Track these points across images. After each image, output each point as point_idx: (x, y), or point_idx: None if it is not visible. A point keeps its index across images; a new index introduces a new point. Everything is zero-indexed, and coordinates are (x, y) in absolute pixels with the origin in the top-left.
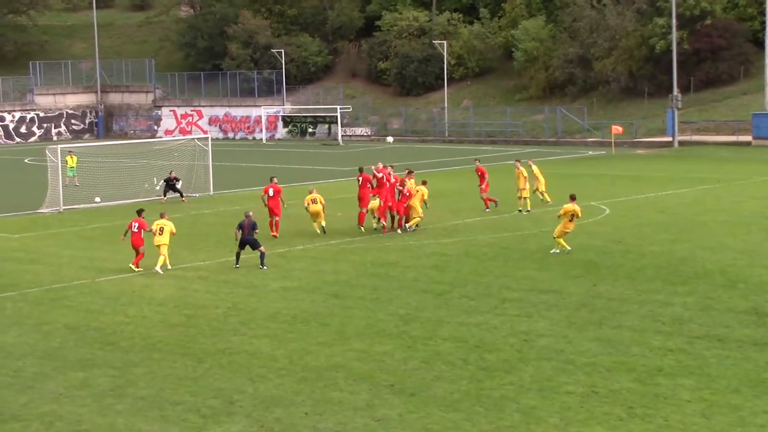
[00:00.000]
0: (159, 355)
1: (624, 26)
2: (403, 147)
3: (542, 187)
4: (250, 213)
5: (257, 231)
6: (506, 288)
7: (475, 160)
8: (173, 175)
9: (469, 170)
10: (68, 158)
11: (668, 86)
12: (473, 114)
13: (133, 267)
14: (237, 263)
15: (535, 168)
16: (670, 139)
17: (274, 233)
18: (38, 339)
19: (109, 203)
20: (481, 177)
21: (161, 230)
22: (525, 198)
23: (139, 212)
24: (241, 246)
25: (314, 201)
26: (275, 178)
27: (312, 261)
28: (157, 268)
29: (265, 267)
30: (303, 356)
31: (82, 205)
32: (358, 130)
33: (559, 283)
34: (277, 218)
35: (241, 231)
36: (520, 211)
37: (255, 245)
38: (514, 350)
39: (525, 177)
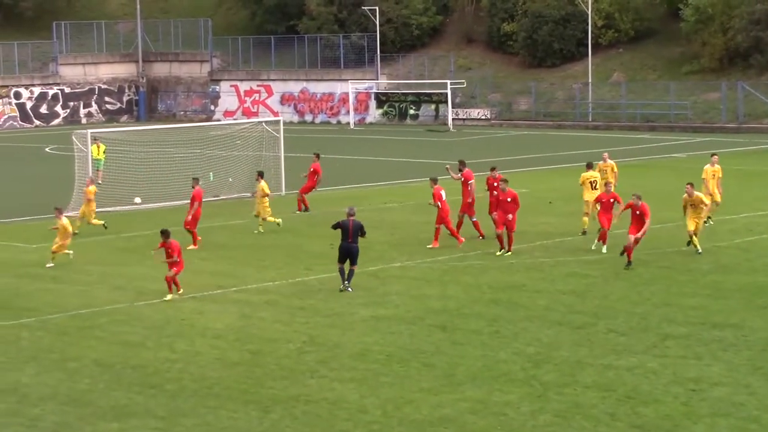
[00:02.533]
0: (215, 402)
1: None
2: (532, 135)
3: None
4: (354, 210)
5: (364, 236)
6: (668, 321)
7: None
8: None
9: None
10: (94, 147)
11: None
12: (626, 91)
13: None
14: (344, 283)
15: (612, 162)
16: None
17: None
18: (61, 379)
19: (152, 205)
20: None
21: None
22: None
23: (164, 234)
24: (342, 258)
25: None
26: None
27: (412, 283)
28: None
29: (350, 288)
30: (401, 407)
31: (117, 208)
32: (475, 112)
33: (739, 314)
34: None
35: (341, 236)
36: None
37: (355, 258)
38: (679, 403)
39: (615, 173)
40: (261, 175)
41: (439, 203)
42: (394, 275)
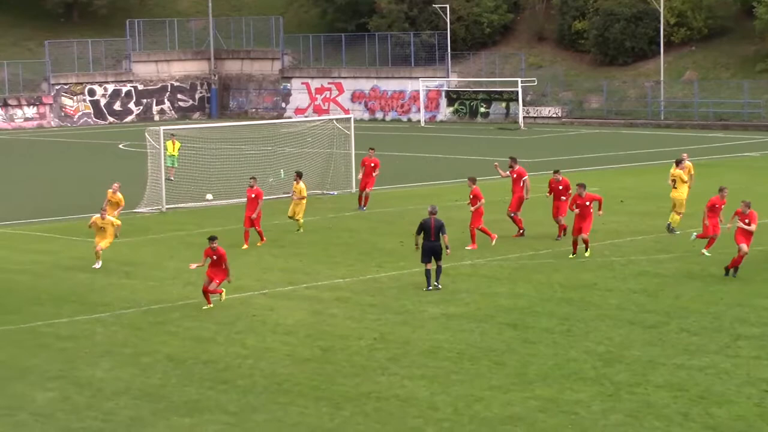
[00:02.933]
0: (285, 399)
1: None
2: (603, 133)
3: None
4: (435, 208)
5: (445, 235)
6: (741, 321)
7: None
8: None
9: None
10: (169, 143)
11: None
12: (698, 90)
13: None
14: (431, 283)
15: (689, 164)
16: None
17: None
18: (135, 374)
19: (224, 202)
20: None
21: None
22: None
23: (212, 240)
24: (426, 257)
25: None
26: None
27: (483, 281)
28: None
29: (439, 286)
30: (471, 404)
31: (189, 204)
32: (546, 111)
33: None
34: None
35: (423, 235)
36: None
37: (439, 255)
38: (753, 404)
39: (691, 175)
40: (300, 176)
41: (481, 202)
42: (464, 273)
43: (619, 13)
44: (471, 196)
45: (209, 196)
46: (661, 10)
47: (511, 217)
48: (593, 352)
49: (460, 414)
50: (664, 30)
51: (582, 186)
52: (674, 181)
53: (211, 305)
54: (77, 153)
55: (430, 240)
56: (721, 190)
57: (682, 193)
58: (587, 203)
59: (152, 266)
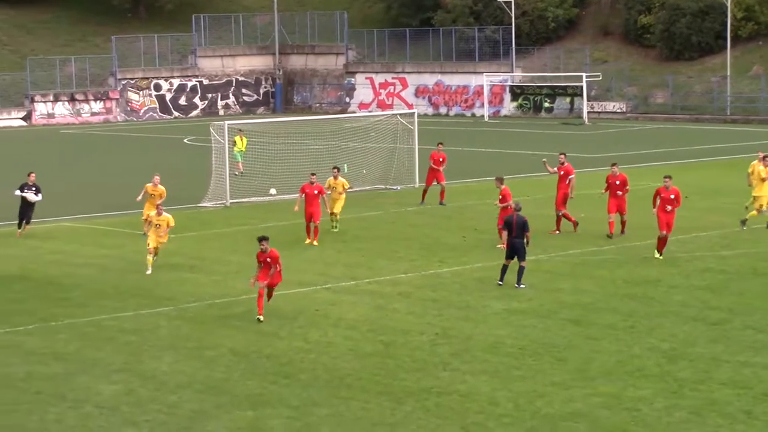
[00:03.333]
0: (347, 393)
1: None
2: (668, 128)
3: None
4: (520, 204)
5: (529, 233)
6: None
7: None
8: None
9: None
10: (237, 138)
11: None
12: (765, 85)
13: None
14: (502, 279)
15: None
16: None
17: None
18: (198, 367)
19: (287, 196)
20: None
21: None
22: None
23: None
24: (510, 254)
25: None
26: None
27: (545, 276)
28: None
29: (522, 285)
30: (533, 400)
31: (253, 199)
32: (610, 106)
33: None
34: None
35: (508, 231)
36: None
37: (523, 254)
38: None
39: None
40: (339, 170)
41: (508, 203)
42: (527, 269)
43: (685, 8)
44: (500, 196)
45: (273, 191)
46: (728, 5)
47: (561, 216)
48: (657, 349)
49: (522, 410)
50: (731, 24)
51: (668, 178)
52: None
53: (262, 317)
54: (143, 147)
55: (512, 236)
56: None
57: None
58: (672, 196)
59: (216, 261)
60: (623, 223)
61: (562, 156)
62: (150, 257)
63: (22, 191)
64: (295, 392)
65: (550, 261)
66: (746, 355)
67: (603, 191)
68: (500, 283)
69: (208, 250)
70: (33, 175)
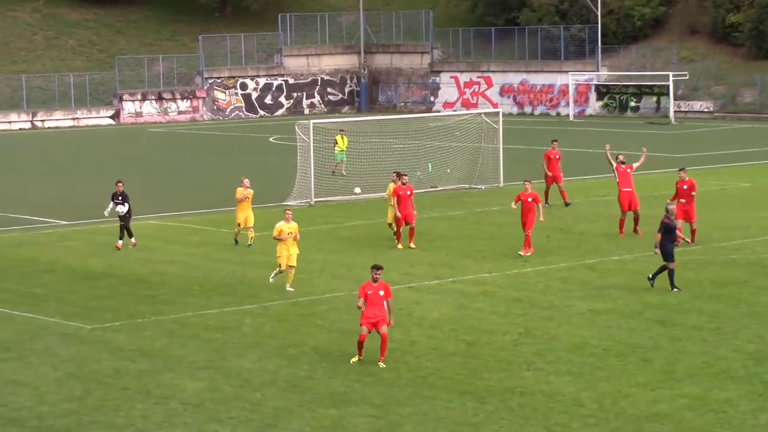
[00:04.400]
0: (430, 392)
1: None
2: (757, 128)
3: None
4: (672, 207)
5: (677, 241)
6: None
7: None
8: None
9: None
10: (338, 138)
11: None
12: None
13: None
14: (654, 277)
15: None
16: None
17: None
18: (281, 365)
19: (372, 195)
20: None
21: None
22: None
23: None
24: (667, 258)
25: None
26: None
27: (631, 276)
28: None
29: (676, 288)
30: (617, 401)
31: (338, 197)
32: (697, 105)
33: None
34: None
35: (662, 234)
36: None
37: (670, 256)
38: None
39: None
40: (399, 176)
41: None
42: (611, 269)
43: None
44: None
45: (357, 190)
46: None
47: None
48: (743, 351)
49: (606, 410)
50: None
51: (683, 170)
52: None
53: (362, 357)
54: (229, 146)
55: (665, 240)
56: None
57: None
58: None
59: (300, 259)
60: (693, 231)
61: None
62: (279, 270)
63: (113, 200)
64: (378, 391)
65: (635, 261)
66: None
67: (671, 199)
68: (651, 280)
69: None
70: (121, 184)
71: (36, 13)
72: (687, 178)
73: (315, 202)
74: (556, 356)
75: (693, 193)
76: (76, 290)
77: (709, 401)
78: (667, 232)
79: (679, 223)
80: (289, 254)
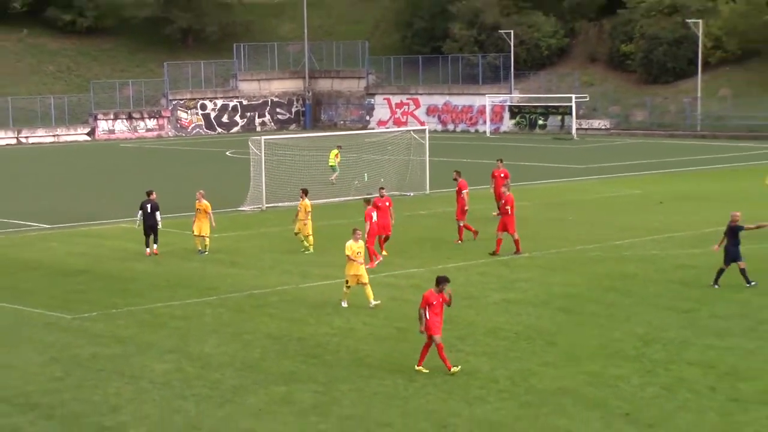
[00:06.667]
0: (366, 371)
1: None
2: (647, 143)
3: None
4: (737, 215)
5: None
6: (765, 308)
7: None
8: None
9: (726, 171)
10: (336, 151)
11: None
12: (732, 105)
13: None
14: (716, 282)
15: None
16: None
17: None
18: (238, 349)
19: (315, 202)
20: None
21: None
22: None
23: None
24: (726, 260)
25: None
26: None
27: (539, 271)
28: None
29: (753, 283)
30: (527, 378)
31: (285, 203)
32: (596, 123)
33: None
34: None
35: (728, 237)
36: None
37: (739, 256)
38: None
39: None
40: (305, 192)
41: (368, 223)
42: (522, 264)
43: (662, 38)
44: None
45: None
46: (700, 35)
47: (462, 226)
48: (634, 334)
49: (517, 385)
50: (701, 52)
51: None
52: None
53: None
54: (190, 159)
55: (729, 243)
56: None
57: None
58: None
59: (253, 257)
60: (516, 242)
61: (456, 173)
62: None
63: (141, 209)
64: (322, 371)
65: (542, 258)
66: (711, 340)
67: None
68: (716, 286)
69: (246, 247)
70: (154, 194)
71: (20, 42)
72: (502, 168)
73: (266, 207)
74: (475, 339)
75: (508, 208)
76: (57, 285)
77: (605, 377)
78: (734, 232)
79: (500, 234)
80: (358, 273)
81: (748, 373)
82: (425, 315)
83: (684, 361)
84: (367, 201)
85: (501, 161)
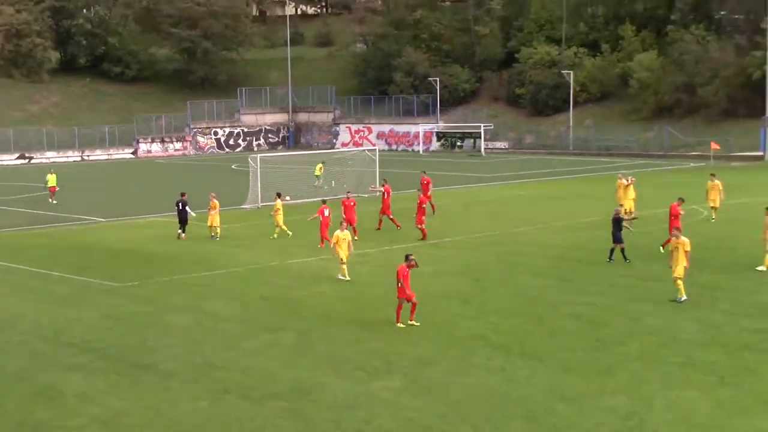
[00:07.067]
0: (334, 323)
1: (725, 59)
2: (534, 158)
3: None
4: (619, 209)
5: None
6: (618, 276)
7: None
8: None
9: (590, 178)
10: (320, 165)
11: (762, 109)
12: (594, 131)
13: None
14: (609, 258)
15: (624, 180)
16: (761, 153)
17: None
18: (239, 307)
19: (297, 201)
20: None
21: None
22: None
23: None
24: (615, 240)
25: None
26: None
27: (458, 250)
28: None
29: (627, 261)
30: (449, 327)
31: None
32: (498, 144)
33: (665, 273)
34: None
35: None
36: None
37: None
38: (622, 326)
39: (624, 188)
40: (279, 195)
41: (320, 216)
42: (446, 246)
43: (544, 84)
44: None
45: (287, 198)
46: (571, 82)
47: (390, 219)
48: (525, 296)
49: (442, 333)
50: (572, 94)
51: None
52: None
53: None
54: (206, 171)
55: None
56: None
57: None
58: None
59: (251, 241)
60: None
61: (384, 180)
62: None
63: (176, 206)
64: (299, 323)
65: (462, 241)
66: (581, 298)
67: (420, 193)
68: (611, 261)
69: (247, 234)
70: (186, 195)
71: (84, 87)
72: (426, 177)
73: (261, 205)
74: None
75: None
76: (108, 262)
77: (505, 326)
78: (615, 223)
79: (422, 225)
80: (346, 252)
81: (605, 321)
82: (400, 284)
83: (561, 315)
84: (324, 201)
85: (424, 172)
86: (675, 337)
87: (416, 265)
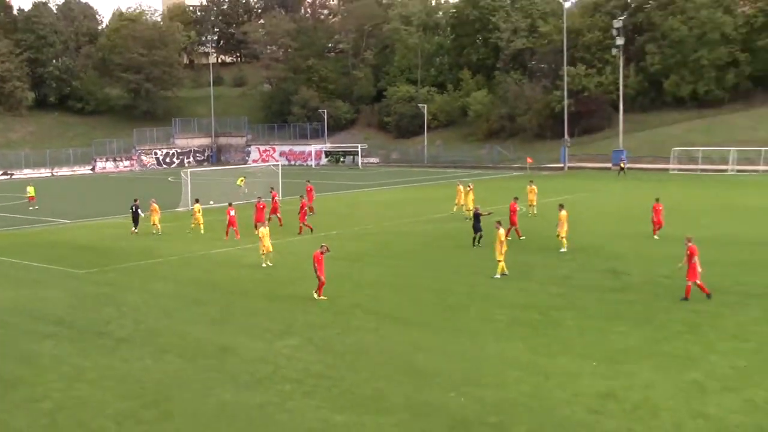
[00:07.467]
0: (252, 297)
1: (535, 96)
2: (399, 170)
3: (466, 203)
4: (478, 207)
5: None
6: (464, 256)
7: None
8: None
9: (438, 184)
10: (242, 178)
11: (562, 133)
12: (443, 149)
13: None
14: (473, 244)
15: (462, 187)
16: (562, 165)
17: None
18: (174, 287)
19: (218, 204)
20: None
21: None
22: (461, 207)
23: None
24: (475, 230)
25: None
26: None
27: (342, 241)
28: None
29: (480, 245)
30: (335, 299)
31: (204, 205)
32: (371, 159)
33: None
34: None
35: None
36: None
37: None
38: (465, 295)
39: (462, 193)
40: (197, 200)
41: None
42: (333, 237)
43: (406, 114)
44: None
45: (211, 202)
46: (425, 113)
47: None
48: (394, 273)
49: (331, 303)
50: (426, 121)
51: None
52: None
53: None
54: (148, 183)
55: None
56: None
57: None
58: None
59: (184, 236)
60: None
61: (272, 190)
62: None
63: (131, 209)
64: (223, 298)
65: (346, 234)
66: (432, 274)
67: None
68: (477, 245)
69: (180, 231)
70: (138, 200)
71: (54, 119)
72: (310, 185)
73: (190, 208)
74: (309, 280)
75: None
76: (74, 254)
77: (378, 297)
78: (476, 217)
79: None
80: (268, 247)
81: (452, 292)
82: (316, 267)
83: (418, 287)
84: (230, 204)
85: (308, 180)
86: (502, 302)
87: (328, 250)
